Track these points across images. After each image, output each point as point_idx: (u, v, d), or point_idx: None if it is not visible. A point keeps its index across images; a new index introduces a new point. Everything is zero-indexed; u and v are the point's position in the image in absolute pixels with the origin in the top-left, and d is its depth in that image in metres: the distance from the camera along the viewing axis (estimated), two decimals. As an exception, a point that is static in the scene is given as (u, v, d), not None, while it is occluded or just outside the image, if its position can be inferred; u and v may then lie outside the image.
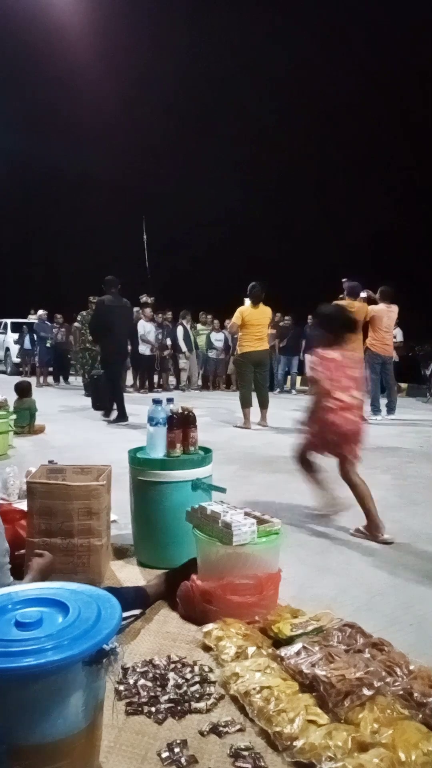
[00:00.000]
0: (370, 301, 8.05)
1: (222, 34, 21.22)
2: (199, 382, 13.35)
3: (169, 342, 12.48)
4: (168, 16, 21.48)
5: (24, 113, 22.41)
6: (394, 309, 8.05)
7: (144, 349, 11.87)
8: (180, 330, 12.47)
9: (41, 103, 22.64)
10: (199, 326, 13.27)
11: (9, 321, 16.15)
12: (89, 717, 1.27)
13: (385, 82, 19.45)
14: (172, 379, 13.23)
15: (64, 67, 21.96)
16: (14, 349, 15.13)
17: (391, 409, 8.10)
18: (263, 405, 7.28)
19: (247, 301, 7.19)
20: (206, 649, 1.90)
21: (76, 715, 1.24)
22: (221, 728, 1.52)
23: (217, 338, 12.87)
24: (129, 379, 12.52)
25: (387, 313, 7.95)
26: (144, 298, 12.13)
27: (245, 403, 7.15)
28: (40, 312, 14.04)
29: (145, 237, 12.30)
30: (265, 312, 7.17)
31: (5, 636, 1.25)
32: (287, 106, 20.89)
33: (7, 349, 15.60)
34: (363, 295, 7.93)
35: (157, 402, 2.74)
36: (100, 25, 20.66)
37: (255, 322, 7.03)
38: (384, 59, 18.96)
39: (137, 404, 9.22)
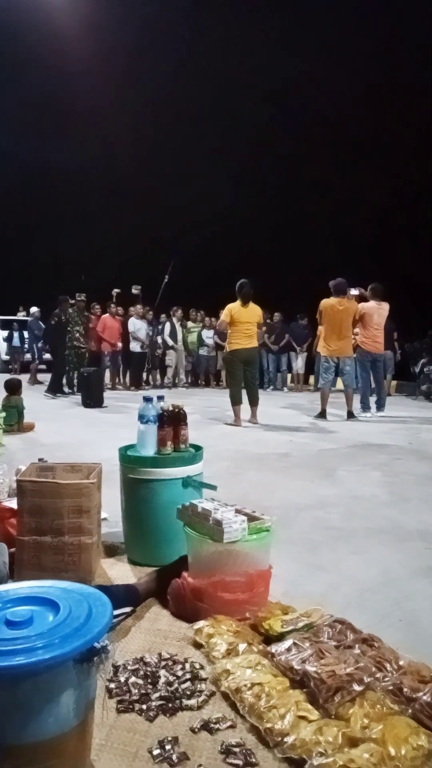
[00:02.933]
0: (361, 298, 8.09)
1: (218, 30, 21.14)
2: (188, 379, 13.36)
3: (160, 339, 12.48)
4: (163, 13, 21.34)
5: (18, 108, 22.21)
6: (385, 306, 8.09)
7: (135, 347, 11.84)
8: (167, 327, 12.48)
9: (36, 97, 22.43)
10: (189, 324, 13.28)
11: (-2, 318, 16.06)
12: (80, 715, 1.27)
13: (380, 81, 19.48)
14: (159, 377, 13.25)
15: (62, 63, 21.77)
16: (3, 347, 15.03)
17: (380, 406, 8.15)
18: (253, 402, 7.30)
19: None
20: (197, 646, 1.90)
21: (67, 714, 1.24)
22: (212, 725, 1.52)
23: (208, 335, 12.89)
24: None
25: (378, 310, 8.00)
26: (135, 290, 12.03)
27: (235, 401, 7.17)
28: (34, 309, 13.94)
29: (167, 278, 12.24)
30: (254, 310, 7.19)
31: (-5, 635, 1.24)
32: (282, 105, 20.88)
33: (-4, 347, 15.52)
34: (354, 292, 7.97)
35: (147, 400, 2.73)
36: (95, 20, 20.48)
37: (244, 319, 7.07)
38: (381, 59, 19.00)
39: (128, 402, 9.21)
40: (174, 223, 20.86)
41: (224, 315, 7.17)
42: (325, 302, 7.64)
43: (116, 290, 12.12)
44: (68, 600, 1.37)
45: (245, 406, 7.20)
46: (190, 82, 21.24)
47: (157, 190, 21.45)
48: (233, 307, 7.10)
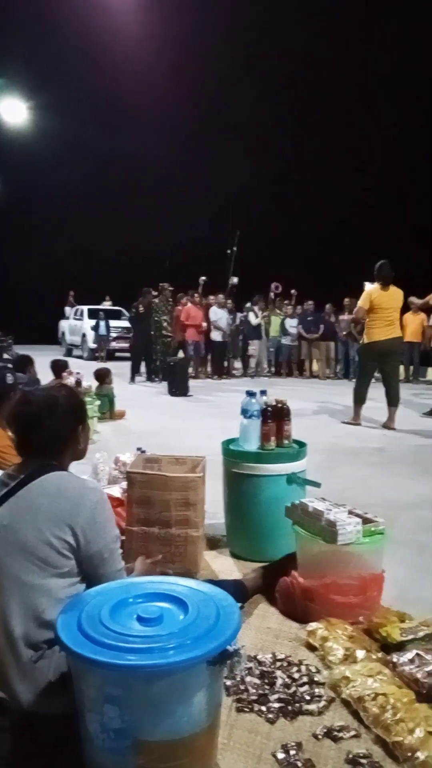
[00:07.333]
0: None
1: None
2: (272, 369, 13.27)
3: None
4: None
5: (87, 102, 22.52)
6: None
7: (216, 336, 11.88)
8: (251, 315, 12.44)
9: (101, 92, 22.63)
10: (276, 311, 13.14)
11: (86, 308, 16.55)
12: (211, 716, 1.27)
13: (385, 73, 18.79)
14: (238, 365, 13.30)
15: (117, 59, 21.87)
16: (90, 335, 15.50)
17: None
18: (392, 402, 6.20)
19: (368, 285, 6.39)
20: (311, 648, 1.87)
21: (200, 714, 1.24)
22: (336, 733, 1.48)
23: (292, 324, 12.71)
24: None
25: None
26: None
27: (357, 399, 6.38)
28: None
29: (234, 248, 12.56)
30: (395, 294, 6.22)
31: (129, 631, 1.25)
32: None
33: (84, 335, 16.01)
34: None
35: (251, 394, 2.70)
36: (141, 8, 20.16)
37: (385, 305, 6.12)
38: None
39: (212, 391, 9.26)
40: (265, 209, 20.78)
41: (362, 301, 6.21)
42: None
43: (203, 278, 12.24)
44: (195, 599, 1.36)
45: (377, 405, 6.46)
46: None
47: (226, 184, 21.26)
48: (373, 292, 6.14)
